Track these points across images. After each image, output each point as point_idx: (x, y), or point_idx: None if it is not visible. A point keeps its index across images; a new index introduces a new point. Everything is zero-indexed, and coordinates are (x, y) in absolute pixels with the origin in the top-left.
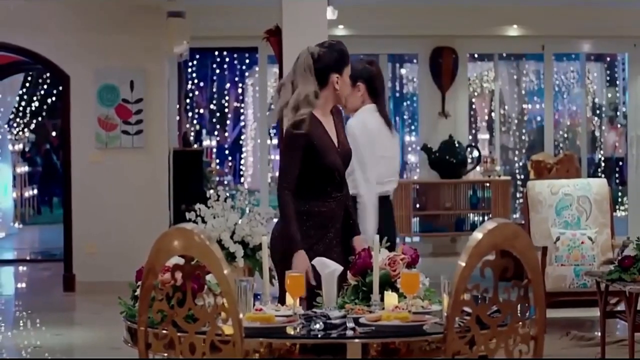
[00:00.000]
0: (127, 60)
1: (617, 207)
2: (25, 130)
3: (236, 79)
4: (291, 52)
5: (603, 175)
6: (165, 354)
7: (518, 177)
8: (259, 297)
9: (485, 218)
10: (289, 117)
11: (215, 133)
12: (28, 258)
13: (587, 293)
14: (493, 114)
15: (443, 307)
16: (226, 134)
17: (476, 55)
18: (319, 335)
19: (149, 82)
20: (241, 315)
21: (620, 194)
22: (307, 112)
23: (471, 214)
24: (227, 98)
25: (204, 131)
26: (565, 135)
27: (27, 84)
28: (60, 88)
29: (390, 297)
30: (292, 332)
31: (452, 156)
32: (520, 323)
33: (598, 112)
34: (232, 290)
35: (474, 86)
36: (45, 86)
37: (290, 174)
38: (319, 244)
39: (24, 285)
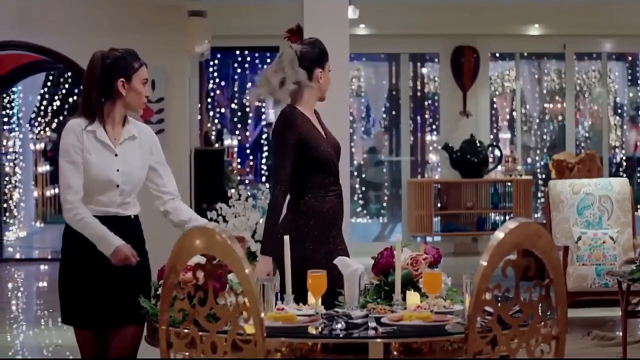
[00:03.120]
0: (148, 60)
1: (638, 206)
2: (47, 129)
3: (257, 78)
4: None
5: (624, 175)
6: (187, 353)
7: (539, 176)
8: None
9: (507, 217)
10: (279, 96)
11: (237, 132)
12: (49, 257)
13: (609, 293)
14: (514, 113)
15: (465, 307)
16: (247, 133)
17: (497, 55)
18: (341, 335)
19: (170, 81)
20: (263, 315)
21: None
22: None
23: (492, 214)
24: (248, 97)
25: (225, 130)
26: (587, 135)
27: (49, 83)
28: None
29: (412, 297)
30: (313, 332)
31: (474, 155)
32: (542, 323)
33: (619, 111)
34: (253, 290)
35: (495, 85)
36: (66, 85)
37: (284, 173)
38: (325, 245)
39: (45, 284)
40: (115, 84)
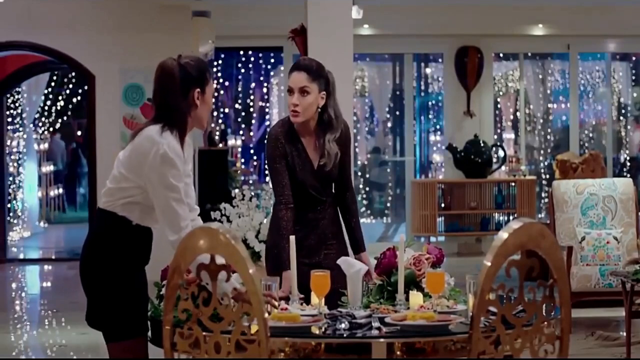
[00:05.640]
0: (153, 60)
1: None
2: (51, 129)
3: (261, 78)
4: (316, 52)
5: (628, 175)
6: (191, 354)
7: (543, 176)
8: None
9: (511, 218)
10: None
11: (241, 132)
12: (53, 257)
13: (613, 293)
14: (518, 114)
15: (468, 307)
16: (251, 134)
17: (501, 55)
18: (344, 335)
19: None
20: (266, 315)
21: None
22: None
23: (496, 214)
24: (252, 97)
25: (229, 130)
26: (591, 135)
27: (53, 84)
28: (86, 87)
29: (416, 297)
30: (317, 332)
31: (478, 155)
32: (546, 323)
33: (623, 111)
34: (257, 290)
35: (499, 85)
36: (70, 85)
37: (283, 187)
38: (301, 250)
39: (49, 284)
40: (191, 94)
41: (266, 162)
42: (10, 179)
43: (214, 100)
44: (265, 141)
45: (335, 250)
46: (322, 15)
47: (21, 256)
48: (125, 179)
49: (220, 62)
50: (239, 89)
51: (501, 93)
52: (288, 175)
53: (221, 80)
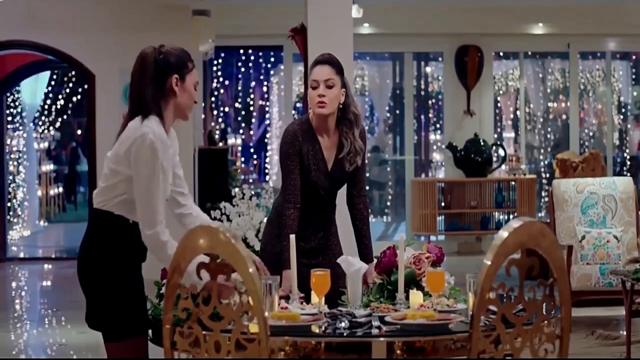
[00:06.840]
0: None
1: None
2: (51, 128)
3: (261, 77)
4: (316, 51)
5: (629, 174)
6: (191, 353)
7: (543, 175)
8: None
9: (511, 216)
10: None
11: (241, 131)
12: (53, 256)
13: (613, 292)
14: (518, 113)
15: (468, 306)
16: (251, 132)
17: (501, 54)
18: (344, 334)
19: None
20: (266, 314)
21: None
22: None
23: (496, 213)
24: (252, 96)
25: (229, 129)
26: (591, 134)
27: (53, 82)
28: (86, 86)
29: (416, 296)
30: (317, 331)
31: (478, 154)
32: (546, 322)
33: (623, 110)
34: (257, 289)
35: (499, 84)
36: (70, 84)
37: (293, 186)
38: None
39: (49, 283)
40: (168, 80)
41: (279, 158)
42: (10, 178)
43: (213, 99)
44: (281, 138)
45: (333, 252)
46: (322, 14)
47: (21, 255)
48: (114, 174)
49: (220, 60)
50: (239, 88)
51: (501, 92)
52: (300, 175)
53: (221, 79)
